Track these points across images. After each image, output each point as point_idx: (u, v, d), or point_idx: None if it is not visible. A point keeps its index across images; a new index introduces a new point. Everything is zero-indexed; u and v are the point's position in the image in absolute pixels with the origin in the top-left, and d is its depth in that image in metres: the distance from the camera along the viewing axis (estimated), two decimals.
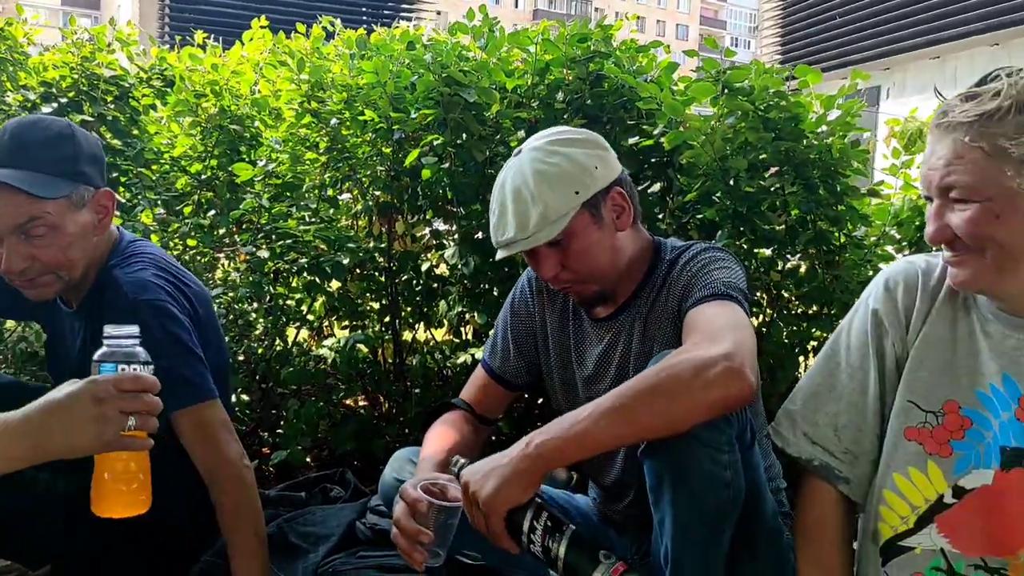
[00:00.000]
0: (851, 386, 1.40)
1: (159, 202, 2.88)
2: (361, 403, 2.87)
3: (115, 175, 2.81)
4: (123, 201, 2.84)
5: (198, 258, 2.87)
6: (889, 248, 2.70)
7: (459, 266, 2.58)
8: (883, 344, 1.39)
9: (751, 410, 1.50)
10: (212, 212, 2.81)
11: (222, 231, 2.78)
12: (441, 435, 1.80)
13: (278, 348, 2.78)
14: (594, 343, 1.78)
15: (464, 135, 2.51)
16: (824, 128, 2.46)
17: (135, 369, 1.17)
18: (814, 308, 2.63)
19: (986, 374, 1.29)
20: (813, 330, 2.63)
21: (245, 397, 2.72)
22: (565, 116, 2.57)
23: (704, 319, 1.49)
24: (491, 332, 1.97)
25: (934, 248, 1.31)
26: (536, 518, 1.36)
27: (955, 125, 1.18)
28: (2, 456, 1.13)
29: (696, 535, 1.43)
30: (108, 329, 1.19)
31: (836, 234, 2.54)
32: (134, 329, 1.20)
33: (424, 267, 2.70)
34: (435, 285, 2.75)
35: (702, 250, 1.68)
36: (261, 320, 2.79)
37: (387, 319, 2.79)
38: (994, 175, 1.15)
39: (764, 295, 2.68)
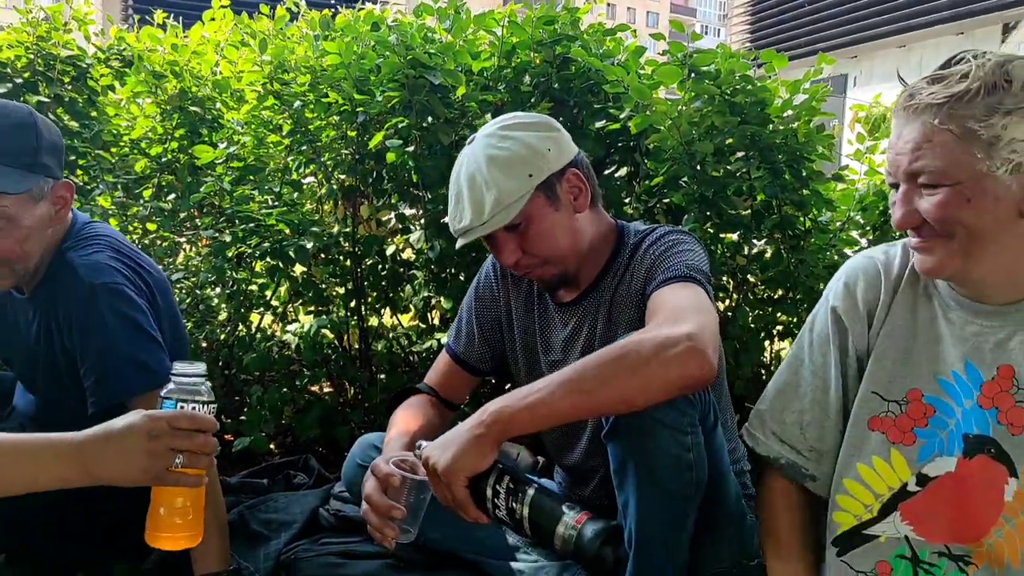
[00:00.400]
0: (814, 384, 1.40)
1: (118, 185, 2.82)
2: (326, 389, 2.84)
3: (73, 158, 2.75)
4: (80, 184, 2.78)
5: (158, 242, 2.82)
6: (854, 233, 2.72)
7: (425, 250, 2.56)
8: (845, 342, 1.38)
9: (715, 393, 1.51)
10: (172, 196, 2.76)
11: (183, 215, 2.73)
12: (406, 418, 1.79)
13: (241, 334, 2.74)
14: (559, 328, 1.77)
15: (430, 118, 2.48)
16: (789, 113, 2.46)
17: (195, 408, 1.19)
18: (779, 292, 2.64)
19: (948, 361, 1.28)
20: (778, 314, 2.64)
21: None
22: (532, 99, 2.54)
23: (667, 301, 1.49)
24: (456, 317, 1.96)
25: (896, 235, 1.30)
26: (498, 482, 1.36)
27: (923, 108, 1.16)
28: (55, 477, 1.18)
29: (660, 517, 1.43)
30: (176, 366, 1.21)
31: (801, 219, 2.55)
32: (201, 367, 1.22)
33: (389, 251, 2.67)
34: (400, 270, 2.72)
35: (665, 233, 1.68)
36: (224, 305, 2.74)
37: (352, 304, 2.76)
38: (964, 158, 1.14)
39: (730, 279, 2.68)
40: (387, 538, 1.44)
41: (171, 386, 1.20)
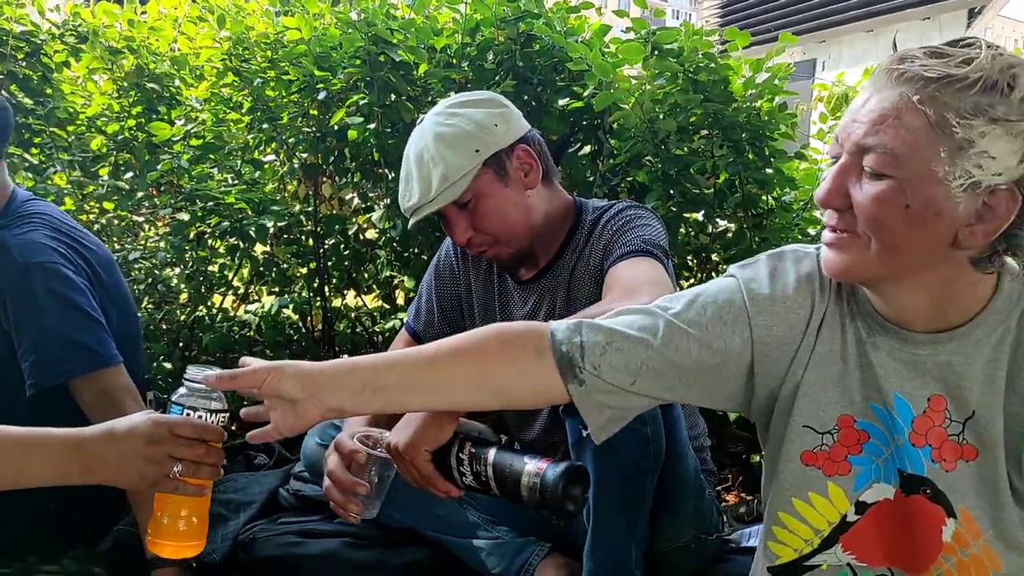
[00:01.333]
0: (667, 335, 1.16)
1: (74, 164, 2.76)
2: None
3: (27, 136, 2.69)
4: (36, 163, 2.72)
5: (115, 222, 2.77)
6: (816, 212, 2.73)
7: (387, 229, 2.53)
8: (740, 366, 1.18)
9: None
10: (130, 174, 2.71)
11: (140, 194, 2.68)
12: None
13: (201, 314, 2.70)
14: (519, 306, 1.77)
15: (392, 95, 2.45)
16: (753, 92, 2.46)
17: (202, 416, 1.16)
18: None
19: (879, 388, 1.14)
20: None
21: (167, 365, 2.63)
22: (496, 77, 2.52)
23: (623, 275, 1.50)
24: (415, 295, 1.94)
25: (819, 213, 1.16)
26: (460, 451, 1.35)
27: (908, 77, 0.98)
28: (54, 472, 1.15)
29: (619, 491, 1.43)
30: (189, 371, 1.17)
31: (764, 197, 2.56)
32: (212, 373, 1.18)
33: (351, 231, 2.64)
34: (363, 249, 2.69)
35: (623, 208, 1.68)
36: (183, 286, 2.70)
37: (316, 284, 2.73)
38: (925, 151, 0.97)
39: (693, 258, 2.69)
40: (350, 514, 1.43)
41: (182, 391, 1.17)
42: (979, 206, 0.99)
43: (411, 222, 1.68)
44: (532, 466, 1.27)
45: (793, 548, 1.23)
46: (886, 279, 1.08)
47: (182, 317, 2.68)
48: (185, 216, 2.47)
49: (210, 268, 2.68)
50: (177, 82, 2.86)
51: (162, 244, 2.70)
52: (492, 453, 1.32)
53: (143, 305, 2.74)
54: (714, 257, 2.68)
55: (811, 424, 1.17)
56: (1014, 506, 1.10)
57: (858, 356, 1.15)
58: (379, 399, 1.17)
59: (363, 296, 2.88)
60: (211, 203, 2.44)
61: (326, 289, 2.74)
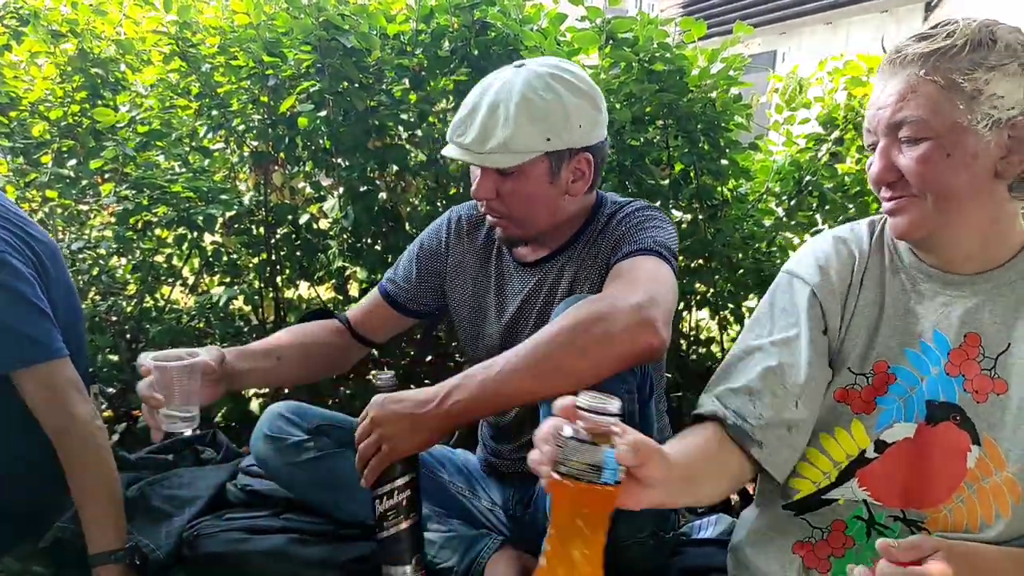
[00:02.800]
0: (776, 356, 1.31)
1: (16, 150, 2.68)
2: None
3: None
4: None
5: (58, 211, 2.69)
6: (771, 204, 2.74)
7: (339, 220, 2.49)
8: (822, 321, 1.32)
9: (653, 365, 1.49)
10: (74, 161, 2.63)
11: (85, 182, 2.61)
12: (292, 331, 1.81)
13: (148, 306, 2.64)
14: (517, 287, 1.73)
15: (344, 82, 2.41)
16: (708, 82, 2.46)
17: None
18: (697, 262, 2.65)
19: (916, 332, 1.28)
20: (696, 283, 2.65)
21: (113, 357, 2.57)
22: (451, 65, 2.49)
23: (626, 270, 1.48)
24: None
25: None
26: (399, 489, 1.40)
27: (909, 60, 1.17)
28: None
29: None
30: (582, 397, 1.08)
31: (719, 188, 2.56)
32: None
33: (303, 220, 2.59)
34: (315, 240, 2.64)
35: (639, 208, 1.65)
36: (130, 276, 2.63)
37: (268, 274, 2.68)
38: (947, 109, 1.15)
39: None
40: (157, 427, 1.46)
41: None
42: (1007, 140, 1.16)
43: (446, 150, 1.60)
44: (401, 573, 1.41)
45: (812, 481, 1.33)
46: (944, 227, 1.21)
47: (129, 309, 2.61)
48: (130, 205, 2.40)
49: (157, 258, 2.62)
50: (123, 67, 2.78)
51: (107, 233, 2.63)
52: (404, 526, 1.41)
53: (89, 296, 2.67)
54: None
55: (851, 365, 1.31)
56: None
57: (898, 306, 1.30)
58: None
59: (316, 287, 2.84)
60: (157, 192, 2.38)
61: (278, 280, 2.70)
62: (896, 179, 1.21)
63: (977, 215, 1.21)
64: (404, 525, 1.40)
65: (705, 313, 2.85)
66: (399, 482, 1.39)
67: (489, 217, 1.67)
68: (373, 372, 1.49)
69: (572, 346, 1.30)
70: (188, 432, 1.50)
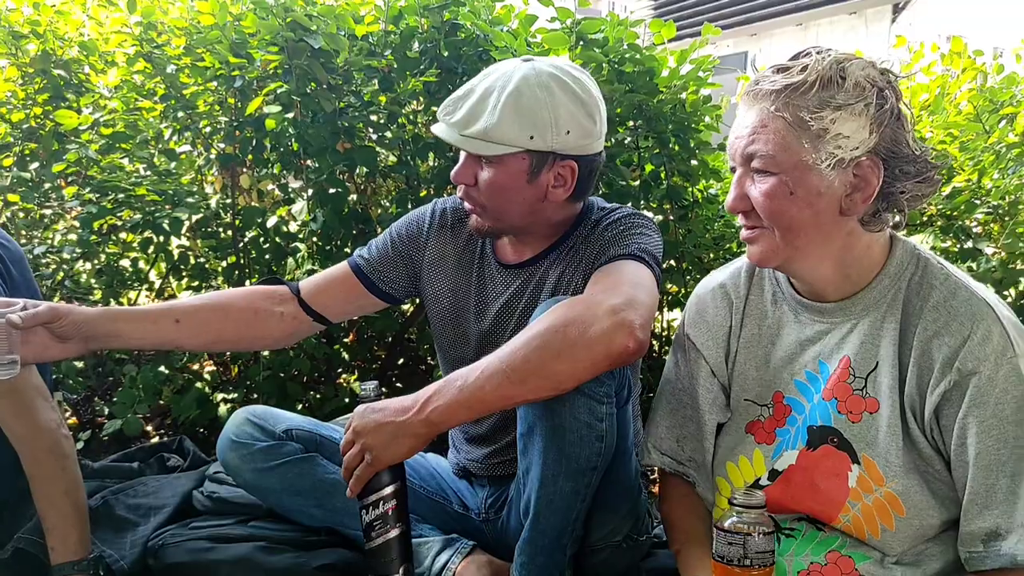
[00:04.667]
0: (685, 402, 1.47)
1: None
2: (208, 368, 2.73)
3: None
4: None
5: (20, 215, 2.64)
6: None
7: (308, 222, 2.46)
8: (704, 367, 1.44)
9: (631, 368, 1.48)
10: (36, 164, 2.58)
11: (47, 185, 2.56)
12: (213, 294, 1.82)
13: None
14: (499, 291, 1.70)
15: (312, 84, 2.38)
16: (677, 83, 2.46)
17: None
18: (668, 263, 2.65)
19: (802, 362, 1.33)
20: (667, 284, 2.65)
21: (78, 364, 2.53)
22: (421, 66, 2.47)
23: (608, 274, 1.47)
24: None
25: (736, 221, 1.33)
26: (385, 499, 1.38)
27: (763, 94, 1.19)
28: None
29: (562, 487, 1.41)
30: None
31: (689, 189, 2.56)
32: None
33: (271, 223, 2.56)
34: (284, 243, 2.61)
35: (625, 215, 1.63)
36: (95, 281, 2.59)
37: (236, 278, 2.65)
38: (793, 146, 1.17)
39: None
40: None
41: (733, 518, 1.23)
42: (851, 178, 1.19)
43: (433, 127, 1.59)
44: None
45: (722, 508, 1.41)
46: (797, 258, 1.26)
47: None
48: (94, 209, 2.36)
49: (122, 263, 2.58)
50: (87, 69, 2.73)
51: (71, 237, 2.59)
52: (393, 534, 1.39)
53: (55, 301, 2.62)
54: None
55: (751, 398, 1.39)
56: (912, 454, 1.23)
57: (785, 337, 1.36)
58: None
59: None
60: (122, 195, 2.34)
61: (247, 283, 2.66)
62: (748, 209, 1.25)
63: (826, 248, 1.25)
64: (392, 534, 1.39)
65: (677, 314, 2.86)
66: (385, 492, 1.38)
67: (465, 204, 1.64)
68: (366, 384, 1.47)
69: (549, 349, 1.28)
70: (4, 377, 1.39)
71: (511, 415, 1.45)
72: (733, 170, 1.27)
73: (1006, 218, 2.83)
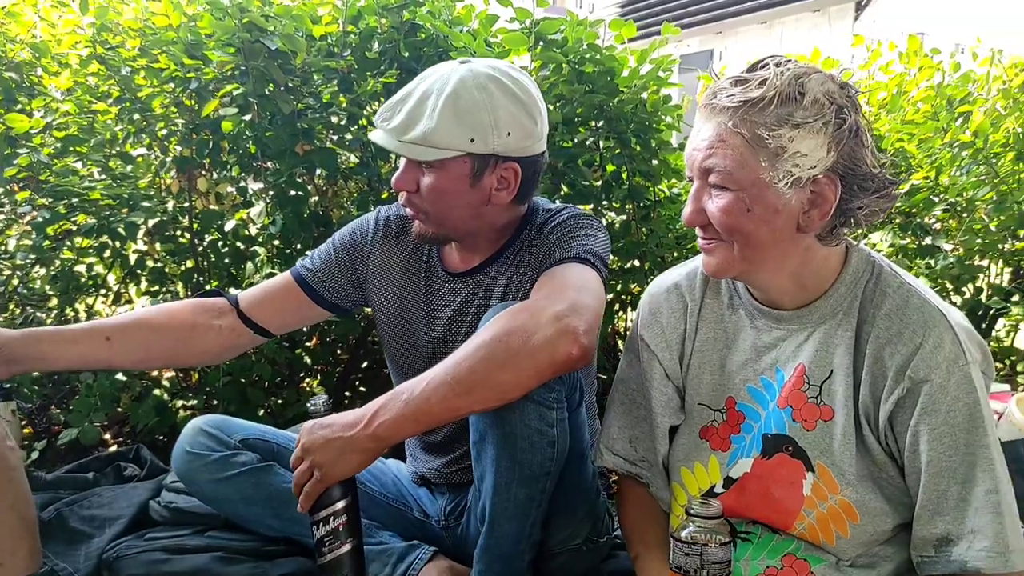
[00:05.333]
0: (638, 402, 1.46)
1: None
2: (168, 374, 2.68)
3: None
4: None
5: None
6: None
7: (267, 226, 2.43)
8: (658, 368, 1.43)
9: (582, 371, 1.48)
10: None
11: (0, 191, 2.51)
12: (144, 309, 1.72)
13: (69, 317, 2.55)
14: (448, 300, 1.68)
15: (270, 85, 2.35)
16: (638, 83, 2.46)
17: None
18: (631, 263, 2.66)
19: (758, 369, 1.33)
20: (631, 284, 2.66)
21: (33, 372, 2.48)
22: (381, 67, 2.45)
23: (552, 279, 1.45)
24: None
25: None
26: (336, 515, 1.37)
27: (720, 109, 1.17)
28: None
29: (516, 492, 1.40)
30: None
31: (651, 189, 2.57)
32: None
33: (229, 227, 2.52)
34: (242, 247, 2.58)
35: (571, 216, 1.61)
36: (49, 287, 2.54)
37: (195, 282, 2.61)
38: (751, 163, 1.15)
39: None
40: None
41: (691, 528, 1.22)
42: (808, 195, 1.18)
43: (372, 135, 1.56)
44: None
45: (677, 515, 1.41)
46: (753, 270, 1.26)
47: (49, 321, 2.52)
48: (47, 213, 2.31)
49: (77, 268, 2.53)
50: (40, 71, 2.67)
51: (25, 243, 2.53)
52: (344, 549, 1.37)
53: (10, 308, 2.57)
54: None
55: (705, 402, 1.39)
56: (866, 461, 1.23)
57: (741, 342, 1.35)
58: None
59: None
60: (76, 199, 2.30)
61: (207, 288, 2.62)
62: (706, 222, 1.23)
63: (783, 263, 1.25)
64: (343, 550, 1.37)
65: None
66: (336, 507, 1.36)
67: (408, 211, 1.61)
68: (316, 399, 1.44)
69: (492, 360, 1.27)
70: None
71: (466, 423, 1.44)
72: (691, 180, 1.25)
73: (963, 215, 2.87)
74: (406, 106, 1.49)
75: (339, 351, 2.68)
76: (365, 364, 2.77)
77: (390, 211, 1.79)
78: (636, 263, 2.66)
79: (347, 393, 2.75)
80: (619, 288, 2.67)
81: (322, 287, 1.74)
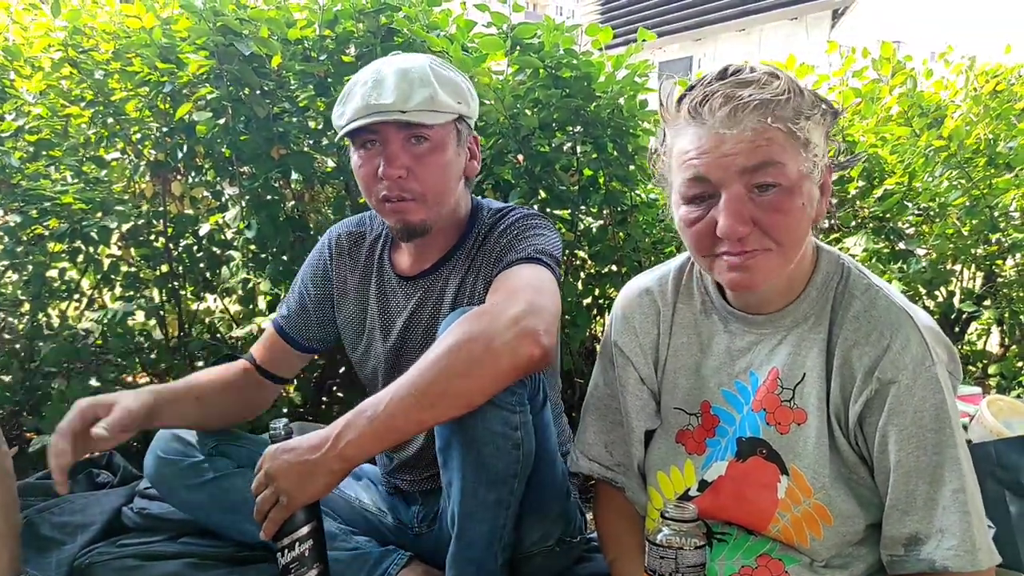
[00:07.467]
0: (613, 407, 1.47)
1: None
2: (142, 380, 2.66)
3: None
4: None
5: None
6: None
7: (243, 230, 2.42)
8: (632, 373, 1.43)
9: (545, 371, 1.47)
10: None
11: None
12: (204, 372, 1.74)
13: (43, 321, 2.52)
14: (401, 305, 1.67)
15: (245, 89, 2.34)
16: (614, 88, 2.47)
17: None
18: (607, 267, 2.66)
19: (732, 373, 1.33)
20: (607, 288, 2.66)
21: (5, 378, 2.45)
22: (357, 71, 2.44)
23: (507, 281, 1.45)
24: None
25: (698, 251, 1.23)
26: (301, 540, 1.34)
27: (754, 105, 1.09)
28: None
29: (484, 497, 1.40)
30: None
31: (628, 193, 2.57)
32: None
33: (203, 231, 2.51)
34: (217, 251, 2.56)
35: (520, 217, 1.62)
36: (20, 292, 2.51)
37: (170, 288, 2.59)
38: (796, 157, 1.12)
39: None
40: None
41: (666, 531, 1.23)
42: (820, 185, 1.19)
43: (343, 131, 1.51)
44: None
45: (652, 518, 1.41)
46: (782, 275, 1.22)
47: (20, 326, 2.49)
48: (18, 218, 2.29)
49: (49, 273, 2.50)
50: (12, 74, 2.65)
51: None
52: (317, 570, 1.35)
53: None
54: (580, 254, 2.68)
55: (680, 406, 1.38)
56: (838, 463, 1.24)
57: (716, 347, 1.35)
58: None
59: (223, 300, 2.75)
60: (48, 204, 2.28)
61: (182, 293, 2.61)
62: (750, 231, 1.14)
63: (797, 261, 1.22)
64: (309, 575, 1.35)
65: None
66: (300, 532, 1.34)
67: (389, 205, 1.55)
68: (280, 422, 1.42)
69: (454, 369, 1.26)
70: None
71: (433, 435, 1.44)
72: (698, 198, 1.16)
73: (936, 220, 2.90)
74: (388, 83, 1.48)
75: (316, 356, 2.66)
76: (343, 369, 2.76)
77: (340, 228, 1.81)
78: (613, 267, 2.67)
79: (324, 399, 2.74)
80: (596, 293, 2.67)
81: (294, 331, 1.78)
